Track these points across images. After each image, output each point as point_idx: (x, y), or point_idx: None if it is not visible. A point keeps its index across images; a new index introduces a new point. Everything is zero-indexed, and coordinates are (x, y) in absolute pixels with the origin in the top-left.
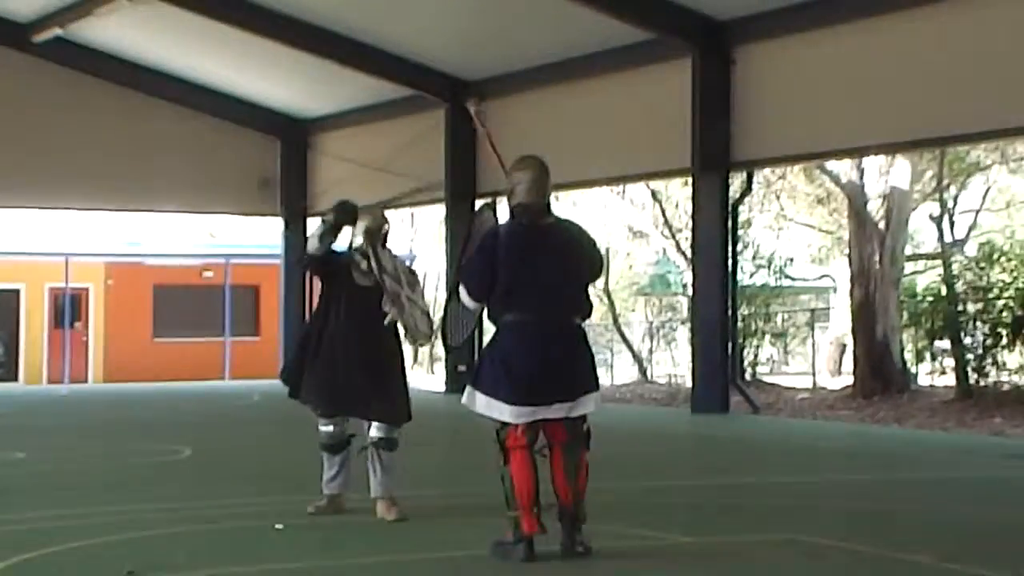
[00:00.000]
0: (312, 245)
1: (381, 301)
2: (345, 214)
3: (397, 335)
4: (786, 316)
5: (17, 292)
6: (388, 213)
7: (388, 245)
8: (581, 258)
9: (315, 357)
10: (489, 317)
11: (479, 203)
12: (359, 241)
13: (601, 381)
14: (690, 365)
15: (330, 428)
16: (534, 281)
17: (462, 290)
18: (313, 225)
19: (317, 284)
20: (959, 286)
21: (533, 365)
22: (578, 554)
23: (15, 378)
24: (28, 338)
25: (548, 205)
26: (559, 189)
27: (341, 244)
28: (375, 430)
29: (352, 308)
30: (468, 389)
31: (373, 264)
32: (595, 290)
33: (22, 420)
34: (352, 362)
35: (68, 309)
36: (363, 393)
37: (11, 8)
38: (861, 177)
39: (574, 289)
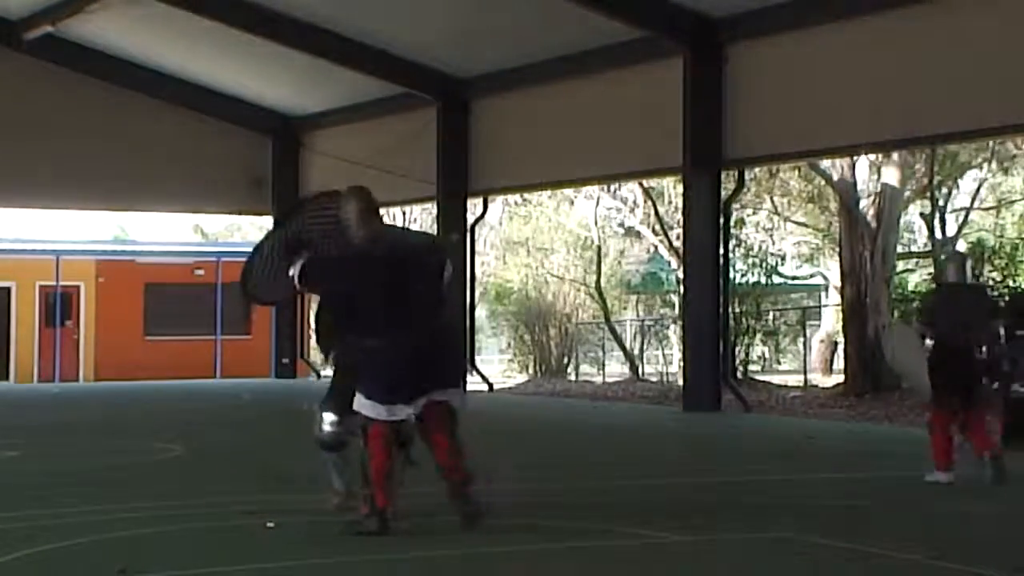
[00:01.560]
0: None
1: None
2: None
3: None
4: (777, 314)
5: (8, 290)
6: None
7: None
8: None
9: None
10: None
11: (471, 201)
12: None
13: (591, 379)
14: (682, 363)
15: (333, 428)
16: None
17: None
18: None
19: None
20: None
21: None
22: (479, 517)
23: (6, 377)
24: (19, 337)
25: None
26: (550, 187)
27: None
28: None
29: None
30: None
31: None
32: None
33: (13, 419)
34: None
35: (59, 307)
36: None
37: (2, 5)
38: (853, 175)
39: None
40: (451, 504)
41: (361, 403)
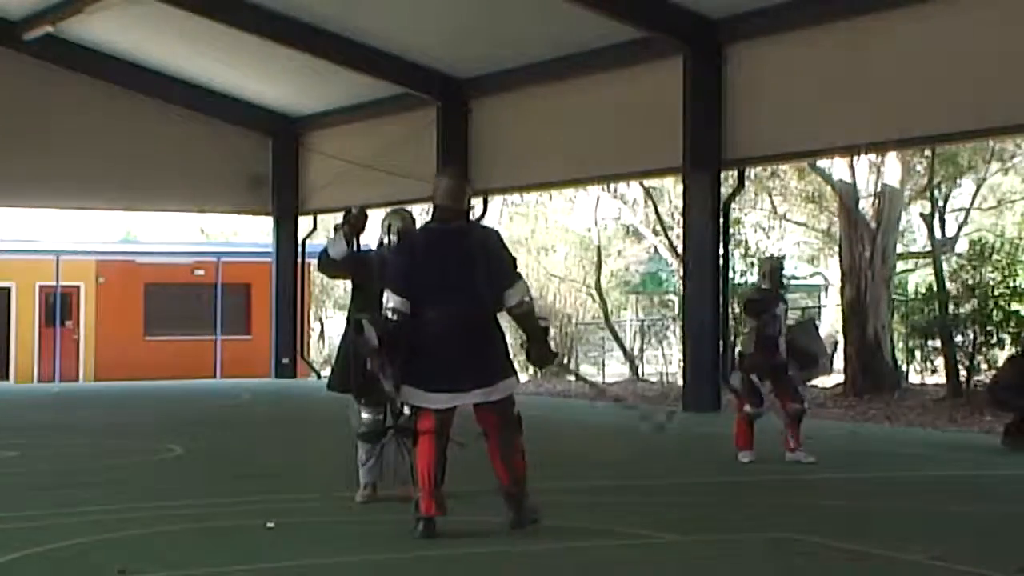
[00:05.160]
0: (334, 250)
1: None
2: (356, 222)
3: None
4: None
5: (8, 291)
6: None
7: None
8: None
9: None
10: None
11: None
12: (394, 240)
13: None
14: (681, 363)
15: (371, 417)
16: (441, 279)
17: (387, 291)
18: (304, 224)
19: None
20: (950, 284)
21: (450, 355)
22: (526, 527)
23: (6, 377)
24: (19, 337)
25: (459, 211)
26: (550, 188)
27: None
28: (406, 417)
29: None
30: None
31: None
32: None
33: (13, 419)
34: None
35: (59, 307)
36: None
37: (2, 5)
38: (852, 175)
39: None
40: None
41: (408, 392)
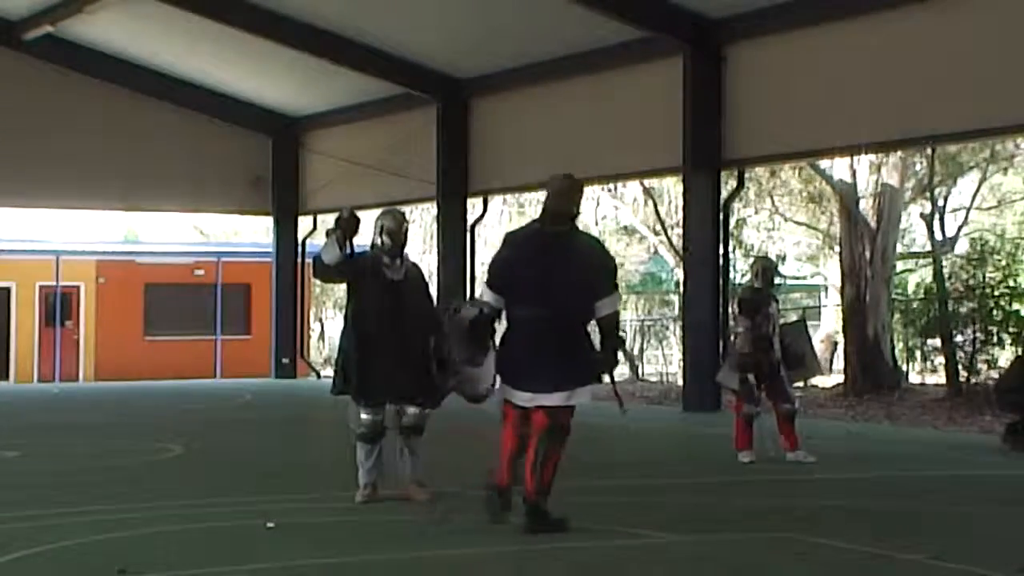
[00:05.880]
0: (328, 256)
1: (410, 293)
2: (347, 226)
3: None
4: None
5: (8, 290)
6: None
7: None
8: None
9: (369, 354)
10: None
11: (471, 201)
12: (386, 241)
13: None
14: (681, 363)
15: (371, 418)
16: (541, 282)
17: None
18: (304, 224)
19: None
20: (950, 284)
21: (538, 356)
22: (527, 531)
23: (6, 377)
24: (19, 337)
25: (567, 215)
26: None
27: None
28: (408, 416)
29: (388, 302)
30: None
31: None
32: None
33: (13, 419)
34: (395, 352)
35: (59, 307)
36: (404, 381)
37: (2, 5)
38: (853, 175)
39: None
40: None
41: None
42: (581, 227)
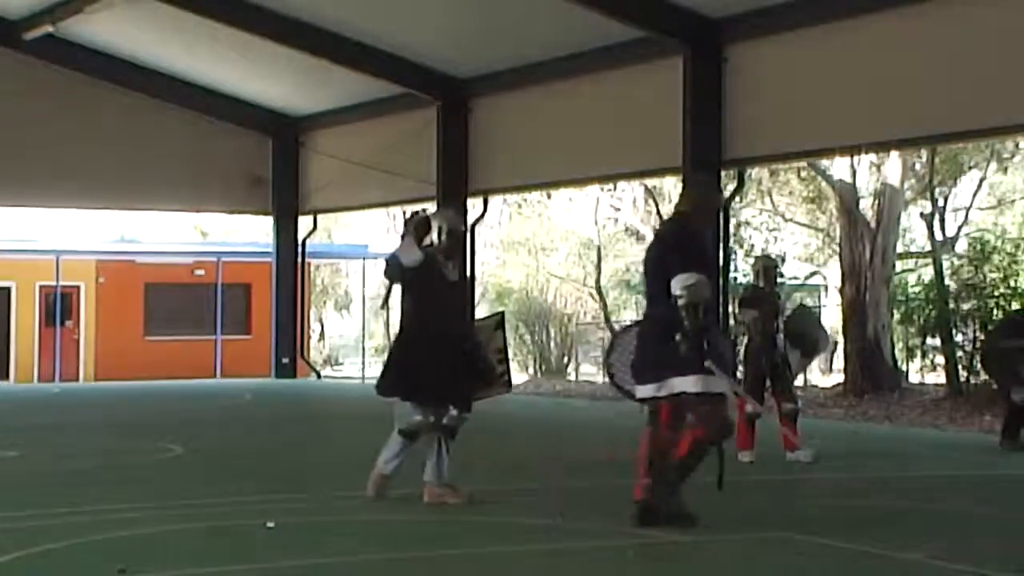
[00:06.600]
0: (408, 258)
1: (464, 293)
2: (421, 228)
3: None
4: None
5: (8, 290)
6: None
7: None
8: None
9: (433, 355)
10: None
11: (471, 201)
12: (446, 241)
13: (591, 379)
14: None
15: (422, 419)
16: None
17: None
18: (304, 224)
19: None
20: (950, 284)
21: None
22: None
23: (6, 377)
24: (19, 336)
25: (676, 213)
26: (550, 187)
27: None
28: (450, 418)
29: (450, 302)
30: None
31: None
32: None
33: (13, 418)
34: (454, 354)
35: (59, 307)
36: (459, 382)
37: (2, 5)
38: (853, 175)
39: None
40: None
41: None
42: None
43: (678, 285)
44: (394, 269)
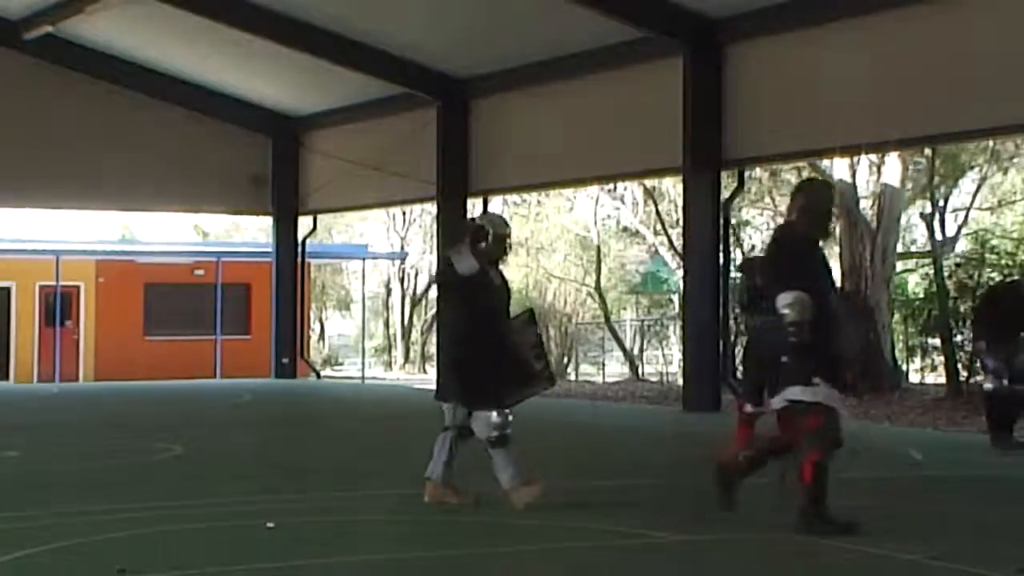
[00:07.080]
0: (464, 266)
1: (504, 297)
2: (476, 235)
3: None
4: None
5: (8, 290)
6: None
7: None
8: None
9: (496, 359)
10: None
11: (471, 201)
12: (493, 247)
13: (591, 379)
14: (682, 363)
15: (503, 419)
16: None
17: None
18: (304, 224)
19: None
20: (950, 284)
21: None
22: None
23: (6, 377)
24: (19, 336)
25: (788, 222)
26: (550, 187)
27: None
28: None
29: (500, 306)
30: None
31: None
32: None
33: (13, 418)
34: (507, 356)
35: (59, 307)
36: (508, 385)
37: (2, 5)
38: (853, 175)
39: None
40: None
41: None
42: (582, 226)
43: (780, 304)
44: (449, 276)
